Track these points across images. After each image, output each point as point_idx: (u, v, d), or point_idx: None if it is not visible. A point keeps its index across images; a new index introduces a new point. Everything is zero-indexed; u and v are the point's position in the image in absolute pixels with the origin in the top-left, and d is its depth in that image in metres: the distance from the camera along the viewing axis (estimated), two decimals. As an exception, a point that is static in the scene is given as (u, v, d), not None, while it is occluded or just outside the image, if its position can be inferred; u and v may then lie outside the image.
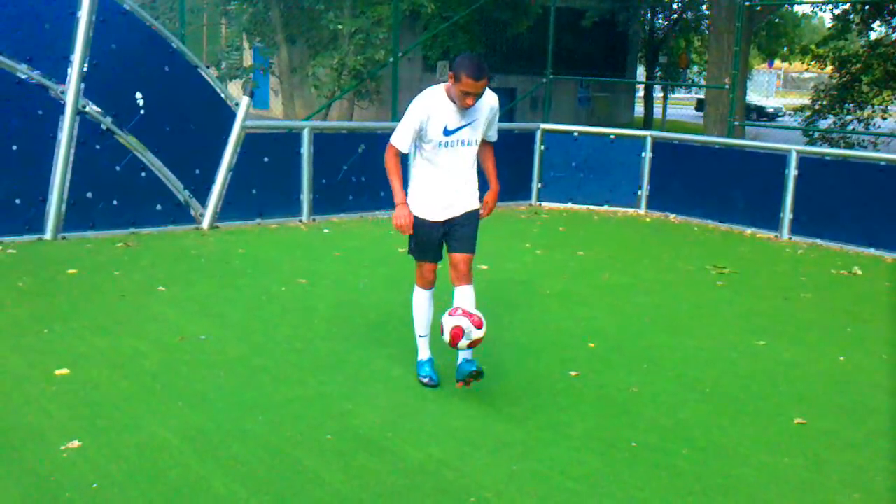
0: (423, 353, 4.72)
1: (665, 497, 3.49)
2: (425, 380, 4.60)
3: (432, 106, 4.34)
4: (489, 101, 4.47)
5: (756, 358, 5.33)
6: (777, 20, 26.13)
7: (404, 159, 4.50)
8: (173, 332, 5.27)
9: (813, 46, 22.95)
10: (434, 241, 4.55)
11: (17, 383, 4.37)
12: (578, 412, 4.33)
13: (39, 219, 7.66)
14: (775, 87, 48.89)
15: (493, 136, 4.68)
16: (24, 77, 7.43)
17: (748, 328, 5.95)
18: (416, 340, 4.77)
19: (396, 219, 4.46)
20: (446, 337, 4.28)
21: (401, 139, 4.40)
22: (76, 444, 3.70)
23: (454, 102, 4.33)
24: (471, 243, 4.57)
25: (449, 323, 4.28)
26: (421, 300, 4.65)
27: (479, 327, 4.27)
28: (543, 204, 10.99)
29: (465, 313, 4.29)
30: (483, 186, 4.64)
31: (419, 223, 4.49)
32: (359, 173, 9.50)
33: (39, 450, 3.65)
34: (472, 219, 4.58)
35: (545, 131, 10.98)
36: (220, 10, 19.52)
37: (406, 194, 4.49)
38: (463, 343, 4.26)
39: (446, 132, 4.37)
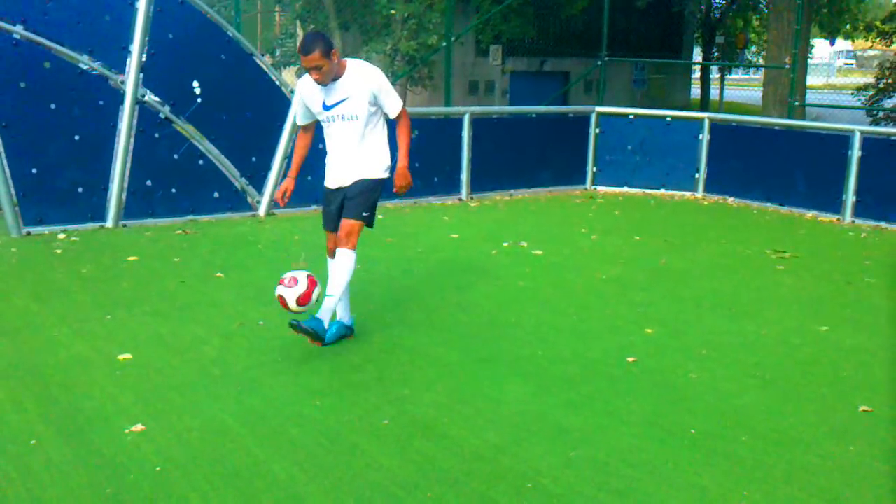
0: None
1: (725, 484, 3.43)
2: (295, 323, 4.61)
3: (308, 85, 4.66)
4: (364, 74, 4.60)
5: (818, 344, 5.22)
6: (839, -4, 25.40)
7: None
8: (232, 318, 5.35)
9: (878, 23, 22.29)
10: (331, 211, 4.84)
11: (82, 368, 4.48)
12: (636, 398, 4.28)
13: (101, 207, 7.83)
14: (836, 66, 47.59)
15: (391, 111, 4.72)
16: (85, 68, 7.59)
17: (810, 313, 5.82)
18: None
19: (278, 191, 4.88)
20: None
21: (297, 117, 4.90)
22: (140, 427, 3.79)
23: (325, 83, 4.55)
24: (354, 207, 4.71)
25: (279, 291, 4.58)
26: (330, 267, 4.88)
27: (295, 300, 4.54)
28: (599, 188, 10.88)
29: (288, 284, 4.55)
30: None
31: (325, 192, 4.87)
32: (413, 159, 9.50)
33: (105, 433, 3.73)
34: (360, 186, 4.72)
35: (600, 114, 10.86)
36: (274, -3, 19.69)
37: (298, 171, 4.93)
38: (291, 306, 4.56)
39: (325, 107, 4.64)
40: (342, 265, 4.66)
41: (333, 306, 4.65)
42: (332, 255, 4.82)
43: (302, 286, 4.53)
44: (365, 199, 4.72)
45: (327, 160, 4.82)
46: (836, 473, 3.56)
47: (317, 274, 4.72)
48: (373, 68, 4.65)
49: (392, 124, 4.84)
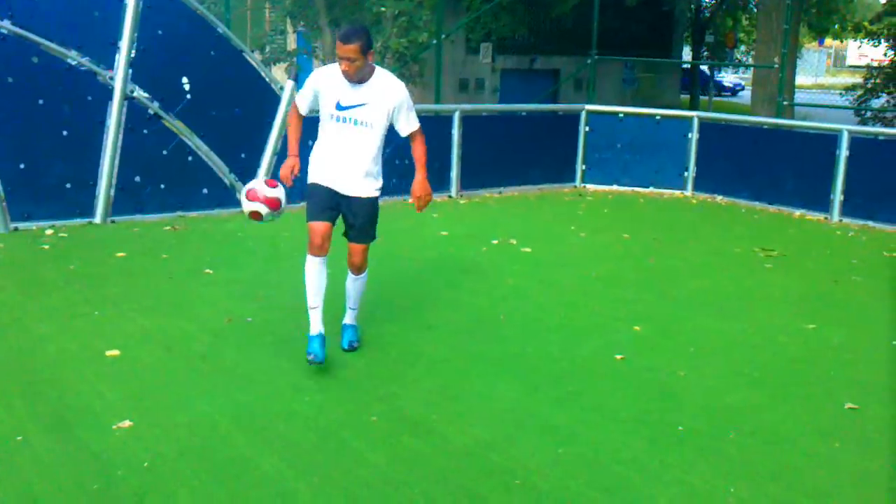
0: (315, 326, 4.48)
1: (712, 482, 3.45)
2: (310, 356, 4.38)
3: (328, 77, 4.43)
4: (390, 86, 4.45)
5: (805, 342, 5.25)
6: (828, -4, 25.51)
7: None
8: (221, 314, 5.34)
9: (866, 23, 22.42)
10: (325, 199, 4.50)
11: (70, 364, 4.46)
12: (624, 396, 4.30)
13: (89, 203, 7.79)
14: (825, 66, 47.82)
15: (406, 128, 4.58)
16: (73, 63, 7.55)
17: (797, 311, 5.85)
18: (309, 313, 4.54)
19: (284, 168, 4.59)
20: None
21: (299, 100, 4.58)
22: (127, 423, 3.78)
23: (351, 80, 4.36)
24: (365, 234, 4.67)
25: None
26: (310, 267, 4.49)
27: (250, 199, 4.55)
28: (588, 186, 10.90)
29: (253, 197, 4.55)
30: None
31: (312, 187, 4.55)
32: (402, 157, 9.51)
33: (93, 429, 3.72)
34: (366, 208, 4.59)
35: (590, 112, 10.88)
36: (264, -6, 19.64)
37: (298, 156, 4.64)
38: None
39: (339, 107, 4.40)
40: (363, 284, 4.85)
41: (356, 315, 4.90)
42: (321, 251, 4.48)
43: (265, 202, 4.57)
44: (374, 224, 4.69)
45: (321, 157, 4.53)
46: (822, 471, 3.58)
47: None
48: (399, 82, 4.50)
49: (399, 143, 4.71)
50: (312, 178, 4.57)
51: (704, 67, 27.43)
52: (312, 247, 4.49)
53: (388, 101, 4.44)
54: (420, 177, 4.58)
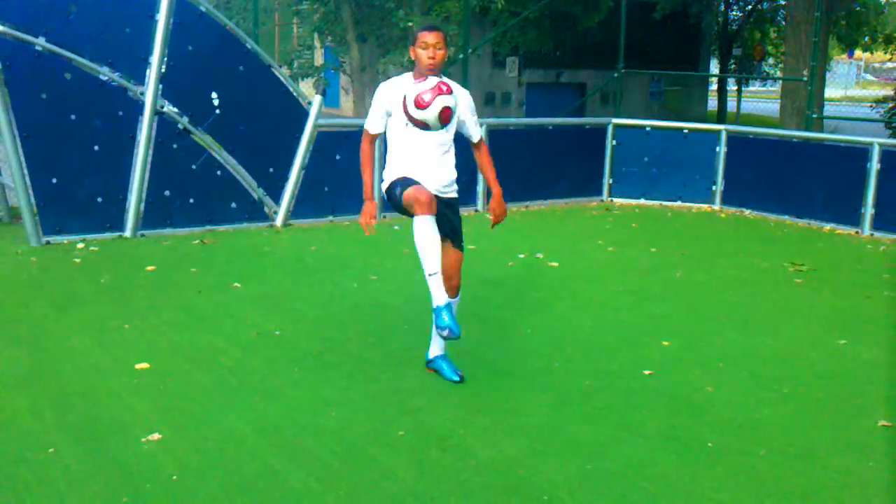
0: (440, 295, 4.11)
1: (743, 499, 3.41)
2: (444, 332, 4.11)
3: (397, 86, 4.31)
4: (460, 89, 4.38)
5: (837, 357, 5.18)
6: (858, 8, 25.31)
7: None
8: (249, 328, 5.37)
9: (896, 35, 22.20)
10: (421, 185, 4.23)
11: (100, 377, 4.50)
12: (653, 411, 4.26)
13: (120, 217, 7.88)
14: (855, 78, 47.36)
15: (474, 135, 4.56)
16: (105, 79, 7.65)
17: (828, 327, 5.78)
18: (428, 283, 4.15)
19: (363, 216, 4.46)
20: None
21: (371, 122, 4.39)
22: (157, 436, 3.80)
23: (434, 73, 4.24)
24: (462, 239, 4.51)
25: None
26: (425, 227, 4.07)
27: (419, 106, 4.15)
28: (615, 200, 10.86)
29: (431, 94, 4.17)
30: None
31: (401, 179, 4.28)
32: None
33: (122, 441, 3.75)
34: (457, 211, 4.49)
35: (616, 126, 10.85)
36: (292, 10, 19.81)
37: (377, 185, 4.37)
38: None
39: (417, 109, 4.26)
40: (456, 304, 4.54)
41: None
42: (431, 209, 4.09)
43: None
44: (461, 228, 4.54)
45: (403, 165, 4.32)
46: (854, 489, 3.53)
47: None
48: (464, 89, 4.46)
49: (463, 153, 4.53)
50: (414, 175, 4.27)
51: None
52: (421, 205, 4.06)
53: (461, 102, 4.39)
54: (498, 192, 4.57)
